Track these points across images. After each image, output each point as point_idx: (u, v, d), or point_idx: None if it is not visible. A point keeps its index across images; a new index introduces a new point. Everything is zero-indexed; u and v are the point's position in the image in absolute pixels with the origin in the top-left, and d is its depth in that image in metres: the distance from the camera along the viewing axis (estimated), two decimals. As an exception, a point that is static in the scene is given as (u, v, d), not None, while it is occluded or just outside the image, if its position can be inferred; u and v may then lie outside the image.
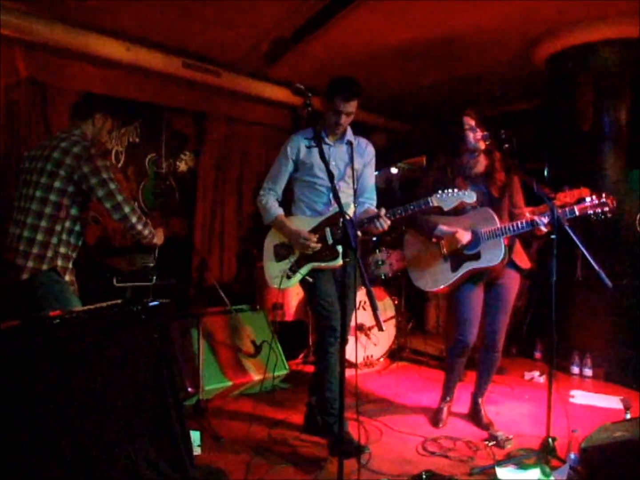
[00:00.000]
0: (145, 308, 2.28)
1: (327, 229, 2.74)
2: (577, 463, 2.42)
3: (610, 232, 4.05)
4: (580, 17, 4.02)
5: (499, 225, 2.83)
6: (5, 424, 1.63)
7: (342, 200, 2.75)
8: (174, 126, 5.44)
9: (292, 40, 4.31)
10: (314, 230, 2.77)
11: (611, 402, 3.52)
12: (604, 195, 2.68)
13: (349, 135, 2.88)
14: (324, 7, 3.77)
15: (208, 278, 3.66)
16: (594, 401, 3.59)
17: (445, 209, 2.65)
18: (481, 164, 3.03)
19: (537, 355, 4.75)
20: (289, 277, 2.79)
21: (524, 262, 3.04)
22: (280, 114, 5.68)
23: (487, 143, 2.92)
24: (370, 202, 2.97)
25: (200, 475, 2.36)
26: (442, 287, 3.00)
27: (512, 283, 3.03)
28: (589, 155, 4.24)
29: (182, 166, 5.58)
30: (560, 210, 2.67)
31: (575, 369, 4.25)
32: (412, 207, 2.66)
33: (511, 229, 2.80)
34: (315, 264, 2.76)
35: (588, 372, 4.18)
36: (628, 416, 2.86)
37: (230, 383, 3.54)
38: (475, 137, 2.95)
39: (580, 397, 3.66)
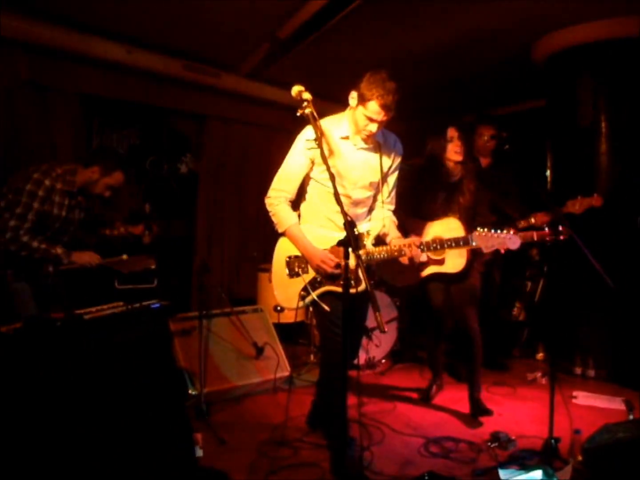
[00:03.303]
0: (147, 310, 2.28)
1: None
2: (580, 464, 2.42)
3: (612, 234, 4.06)
4: (581, 17, 4.03)
5: (463, 235, 2.87)
6: (6, 427, 1.63)
7: (360, 210, 2.68)
8: (174, 128, 5.45)
9: (292, 41, 4.31)
10: (332, 251, 2.54)
11: (614, 403, 3.52)
12: (560, 227, 2.78)
13: (377, 134, 2.57)
14: (323, 10, 3.76)
15: (209, 280, 3.65)
16: (596, 402, 3.58)
17: (486, 250, 2.66)
18: (456, 173, 3.18)
19: (540, 356, 4.74)
20: (302, 298, 2.56)
21: (479, 266, 3.31)
22: (280, 115, 5.68)
23: (463, 156, 3.11)
24: (390, 206, 2.79)
25: (202, 477, 2.36)
26: (406, 284, 3.39)
27: (472, 273, 3.26)
28: (589, 154, 4.24)
29: (183, 168, 5.58)
30: (521, 236, 2.82)
31: (578, 370, 4.25)
32: (449, 243, 2.65)
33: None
34: (331, 288, 2.54)
35: (590, 373, 4.18)
36: (631, 417, 2.86)
37: (226, 386, 3.52)
38: (455, 149, 3.09)
39: (583, 398, 3.65)
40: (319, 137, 2.20)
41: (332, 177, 2.11)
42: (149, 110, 5.09)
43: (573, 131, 4.34)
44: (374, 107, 2.37)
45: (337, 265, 2.48)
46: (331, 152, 2.48)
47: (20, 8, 3.75)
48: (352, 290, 2.41)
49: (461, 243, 2.63)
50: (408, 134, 6.80)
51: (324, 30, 4.05)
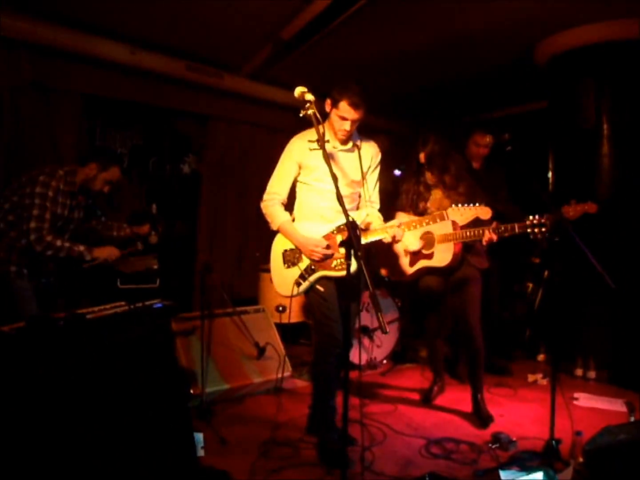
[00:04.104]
0: (149, 310, 2.29)
1: (338, 237, 2.68)
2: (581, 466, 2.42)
3: (613, 235, 4.07)
4: (582, 19, 4.04)
5: (451, 231, 3.08)
6: (7, 426, 1.64)
7: (348, 205, 2.78)
8: (177, 128, 5.45)
9: (295, 42, 4.32)
10: (324, 239, 2.71)
11: (615, 404, 3.52)
12: (544, 217, 2.77)
13: (355, 137, 2.80)
14: (326, 11, 3.77)
15: (211, 280, 3.66)
16: (597, 404, 3.58)
17: (461, 223, 2.85)
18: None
19: (541, 357, 4.74)
20: (298, 285, 2.72)
21: (479, 262, 3.32)
22: (282, 116, 5.68)
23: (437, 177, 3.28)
24: (373, 205, 2.93)
25: (204, 477, 2.36)
26: (401, 277, 3.44)
27: (471, 276, 3.29)
28: (590, 156, 4.25)
29: (186, 168, 5.60)
30: (498, 230, 2.90)
31: (579, 372, 4.25)
32: (427, 221, 2.81)
33: (459, 237, 3.06)
34: (325, 273, 2.69)
35: (591, 374, 4.18)
36: (632, 419, 2.86)
37: (227, 386, 3.54)
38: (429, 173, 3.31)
39: (584, 399, 3.65)
40: (322, 138, 2.24)
41: (335, 178, 2.15)
42: (152, 110, 5.10)
43: (575, 133, 4.34)
44: (344, 107, 2.59)
45: (328, 247, 2.67)
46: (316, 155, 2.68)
47: (23, 8, 3.76)
48: (345, 273, 2.54)
49: (437, 220, 2.79)
50: (409, 134, 6.85)
51: (327, 31, 4.06)
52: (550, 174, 4.71)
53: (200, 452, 2.64)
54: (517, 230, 2.83)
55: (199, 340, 3.43)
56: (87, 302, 2.66)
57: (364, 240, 2.70)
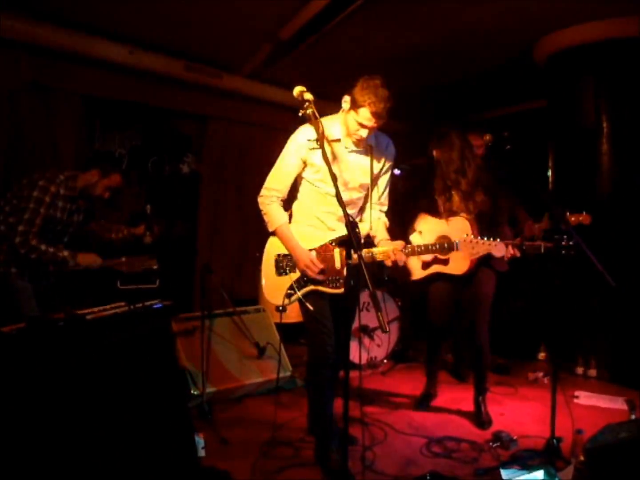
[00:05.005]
0: (149, 310, 2.29)
1: (336, 251, 2.53)
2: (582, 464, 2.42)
3: (613, 234, 4.07)
4: (581, 17, 4.03)
5: (449, 241, 2.89)
6: (8, 427, 1.64)
7: (351, 210, 2.64)
8: (176, 128, 5.45)
9: (294, 42, 4.32)
10: (320, 250, 2.55)
11: (616, 402, 3.51)
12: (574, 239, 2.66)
13: (370, 138, 2.56)
14: (324, 10, 3.77)
15: (211, 280, 3.66)
16: (598, 402, 3.58)
17: (471, 257, 2.73)
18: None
19: (541, 356, 4.74)
20: (289, 297, 2.58)
21: (499, 265, 3.19)
22: (282, 115, 5.67)
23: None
24: (382, 208, 2.77)
25: (204, 477, 2.36)
26: (412, 279, 3.33)
27: (486, 279, 3.18)
28: (590, 155, 4.24)
29: (185, 168, 5.59)
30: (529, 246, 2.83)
31: (579, 370, 4.25)
32: (434, 247, 2.66)
33: None
34: (317, 287, 2.53)
35: (592, 372, 4.18)
36: (633, 417, 2.86)
37: (228, 386, 3.53)
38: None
39: (585, 397, 3.65)
40: (321, 138, 2.20)
41: (334, 178, 2.08)
42: (151, 111, 5.09)
43: (575, 131, 4.34)
44: (365, 114, 2.37)
45: (322, 271, 2.49)
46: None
47: (22, 10, 3.77)
48: (339, 290, 2.48)
49: (446, 246, 2.64)
50: (409, 133, 6.84)
51: (325, 31, 4.06)
52: (550, 173, 4.70)
53: (201, 453, 2.64)
54: (542, 250, 2.71)
55: (199, 340, 3.42)
56: (87, 303, 2.66)
57: (364, 254, 2.52)
